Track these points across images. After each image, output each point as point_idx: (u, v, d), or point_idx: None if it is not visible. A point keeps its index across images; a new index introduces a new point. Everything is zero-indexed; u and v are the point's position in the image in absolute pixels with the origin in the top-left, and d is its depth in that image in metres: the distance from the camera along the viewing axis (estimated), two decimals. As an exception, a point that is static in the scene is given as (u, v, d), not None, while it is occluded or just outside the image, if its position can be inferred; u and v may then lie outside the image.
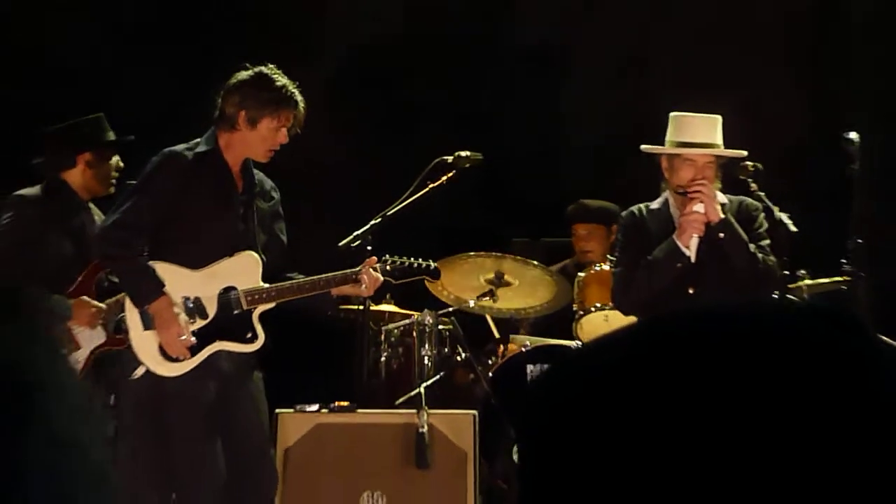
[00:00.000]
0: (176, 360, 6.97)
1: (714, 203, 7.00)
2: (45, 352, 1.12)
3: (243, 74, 7.00)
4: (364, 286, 7.05)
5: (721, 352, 1.22)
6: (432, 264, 7.53)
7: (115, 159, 7.81)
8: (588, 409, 1.23)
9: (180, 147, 7.00)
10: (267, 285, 7.12)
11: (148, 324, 6.96)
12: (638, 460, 1.19)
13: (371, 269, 7.09)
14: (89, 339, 7.46)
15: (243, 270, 7.09)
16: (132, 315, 6.97)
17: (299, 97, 7.01)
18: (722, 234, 6.95)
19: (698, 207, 6.95)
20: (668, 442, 1.18)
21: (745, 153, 7.28)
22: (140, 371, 6.94)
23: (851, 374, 1.19)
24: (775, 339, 1.21)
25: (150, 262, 6.95)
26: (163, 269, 6.95)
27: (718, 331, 1.24)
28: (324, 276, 7.13)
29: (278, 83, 6.96)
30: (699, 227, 6.96)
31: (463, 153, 7.69)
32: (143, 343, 6.93)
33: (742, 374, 1.19)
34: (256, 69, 7.01)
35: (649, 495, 1.15)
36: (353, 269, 7.13)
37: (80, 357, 7.43)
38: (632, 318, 7.61)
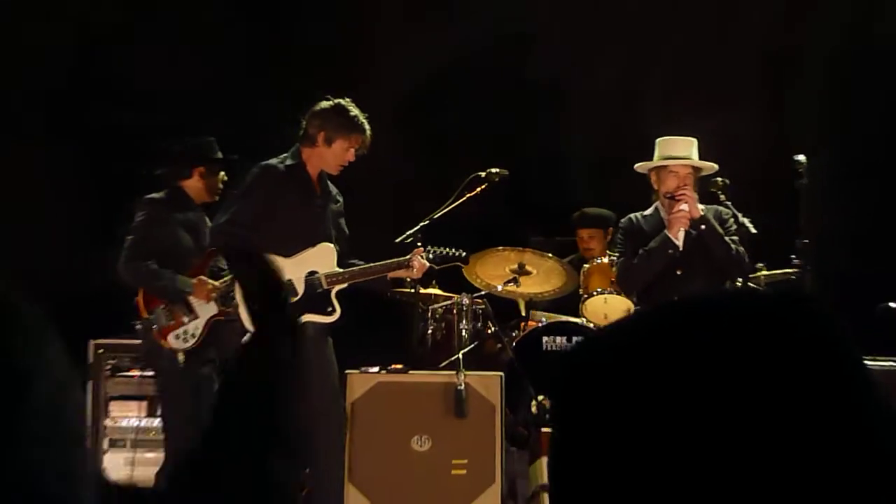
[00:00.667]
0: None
1: (696, 203, 7.68)
2: (32, 338, 1.16)
3: (325, 103, 7.70)
4: (414, 269, 7.79)
5: (715, 332, 1.30)
6: (463, 252, 8.12)
7: (221, 174, 8.48)
8: (607, 375, 1.34)
9: (273, 161, 7.73)
10: (341, 269, 7.84)
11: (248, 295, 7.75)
12: (643, 416, 1.29)
13: (419, 257, 7.80)
14: (206, 310, 8.17)
15: (323, 258, 7.81)
16: (240, 292, 7.60)
17: (367, 126, 7.67)
18: (703, 227, 7.62)
19: (684, 207, 7.62)
20: (668, 402, 1.27)
21: (716, 166, 7.87)
22: (248, 337, 7.67)
23: (824, 347, 1.29)
24: (762, 321, 1.31)
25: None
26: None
27: (710, 313, 1.34)
28: (385, 261, 7.85)
29: (352, 113, 7.66)
30: (685, 221, 7.63)
31: (493, 170, 8.29)
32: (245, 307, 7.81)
33: (734, 348, 1.27)
34: (337, 100, 7.71)
35: (653, 443, 1.25)
36: (405, 257, 7.81)
37: (199, 324, 8.16)
38: (626, 299, 8.61)
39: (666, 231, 7.71)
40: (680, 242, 7.67)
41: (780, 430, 1.24)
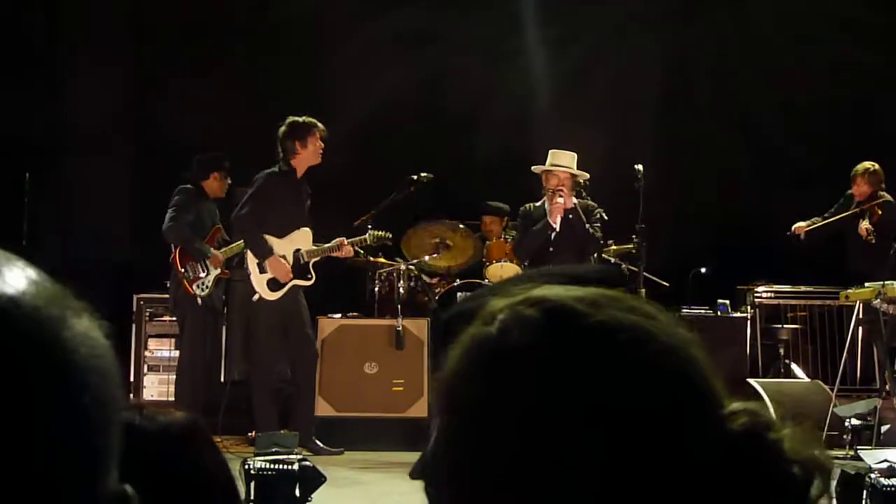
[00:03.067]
0: (276, 290, 8.09)
1: (570, 198, 7.96)
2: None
3: (283, 126, 7.98)
4: (342, 251, 8.19)
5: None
6: (389, 235, 8.49)
7: (228, 179, 8.86)
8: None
9: (274, 168, 8.06)
10: (314, 246, 8.18)
11: (263, 269, 8.06)
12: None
13: (346, 243, 8.17)
14: (214, 270, 8.58)
15: (304, 238, 8.19)
16: (252, 265, 8.11)
17: (315, 120, 7.97)
18: (571, 216, 7.95)
19: (560, 199, 7.91)
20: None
21: (587, 175, 8.19)
22: (256, 296, 8.10)
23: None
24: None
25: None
26: (271, 240, 8.09)
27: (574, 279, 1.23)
28: (330, 244, 8.20)
29: (302, 119, 7.95)
30: (561, 210, 7.93)
31: (423, 174, 8.63)
32: (259, 281, 8.12)
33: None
34: (287, 119, 7.99)
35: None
36: (339, 241, 8.16)
37: (210, 279, 8.56)
38: (517, 266, 8.66)
39: (548, 217, 8.03)
40: (557, 226, 7.96)
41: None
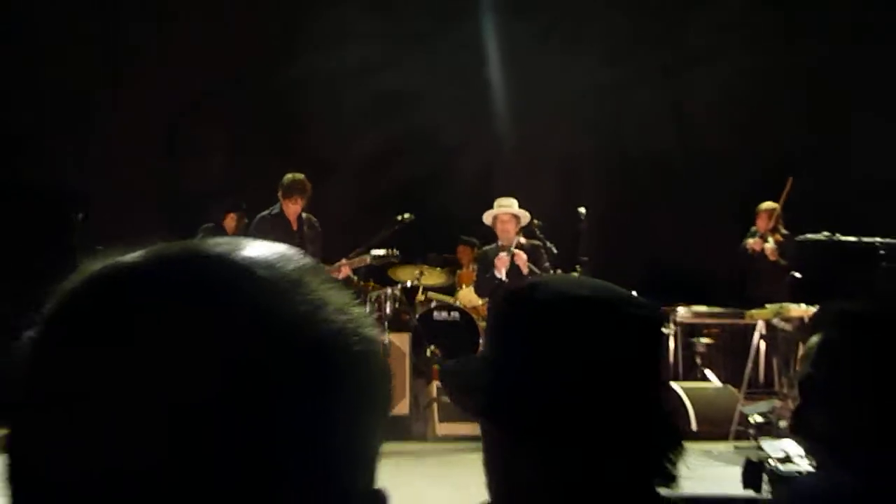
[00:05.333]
0: None
1: (511, 254, 7.92)
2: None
3: (284, 179, 7.99)
4: (340, 274, 7.98)
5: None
6: (396, 252, 8.29)
7: (245, 219, 8.85)
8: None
9: (265, 212, 8.04)
10: None
11: None
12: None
13: (345, 268, 8.07)
14: None
15: None
16: None
17: (306, 182, 7.88)
18: (517, 261, 7.94)
19: (503, 255, 7.97)
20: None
21: (528, 215, 8.08)
22: None
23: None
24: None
25: None
26: None
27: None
28: (335, 265, 7.96)
29: (297, 177, 7.91)
30: (505, 263, 7.96)
31: (406, 214, 8.41)
32: None
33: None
34: (287, 175, 7.96)
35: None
36: (339, 264, 7.99)
37: None
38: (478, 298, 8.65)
39: (494, 270, 8.04)
40: (502, 275, 7.95)
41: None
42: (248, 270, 0.58)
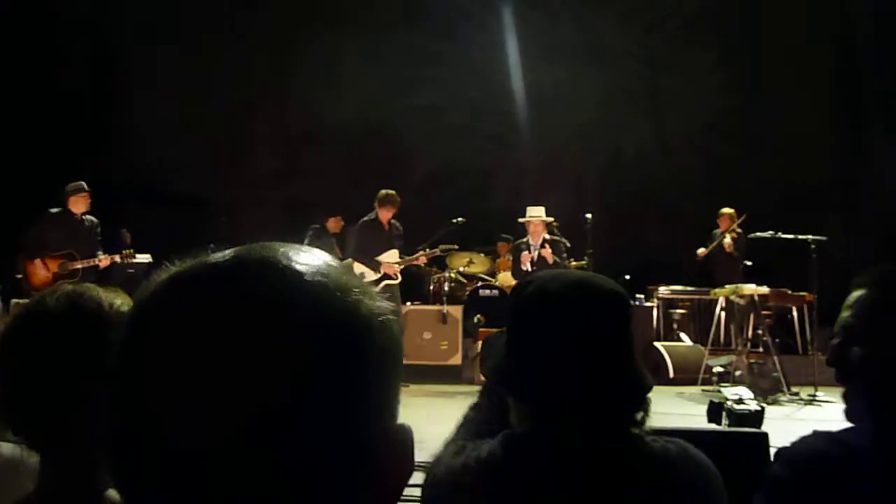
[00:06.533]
0: (376, 283, 7.30)
1: (539, 241, 7.63)
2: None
3: (380, 193, 7.70)
4: (420, 260, 7.94)
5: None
6: (455, 245, 8.17)
7: (342, 221, 8.46)
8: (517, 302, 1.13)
9: (366, 217, 7.70)
10: (400, 259, 7.76)
11: (367, 273, 7.47)
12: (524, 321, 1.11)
13: (423, 255, 7.83)
14: None
15: (392, 256, 7.75)
16: (360, 269, 7.51)
17: (396, 196, 7.63)
18: (542, 252, 7.62)
19: (527, 252, 7.64)
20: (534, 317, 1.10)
21: (552, 219, 7.83)
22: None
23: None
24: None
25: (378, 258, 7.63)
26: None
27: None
28: (414, 256, 7.84)
29: (389, 192, 7.67)
30: (527, 260, 7.61)
31: (460, 218, 8.18)
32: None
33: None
34: (384, 191, 7.69)
35: None
36: (418, 254, 7.84)
37: None
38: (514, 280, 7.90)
39: (521, 262, 7.68)
40: (528, 267, 7.58)
41: None
42: (306, 276, 0.54)
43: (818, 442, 1.18)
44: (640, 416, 1.11)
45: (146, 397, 0.50)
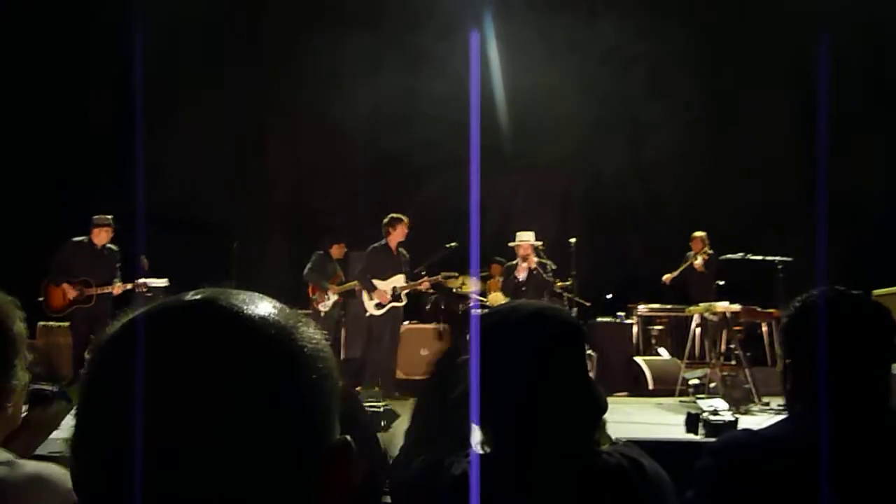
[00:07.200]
0: (380, 309, 7.59)
1: (532, 261, 7.62)
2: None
3: (387, 218, 7.63)
4: (424, 286, 7.81)
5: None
6: (455, 274, 8.04)
7: (345, 248, 8.26)
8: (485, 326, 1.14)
9: (376, 244, 7.61)
10: (405, 284, 7.67)
11: (371, 297, 7.61)
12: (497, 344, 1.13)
13: (427, 281, 7.71)
14: (333, 297, 8.01)
15: (398, 280, 7.69)
16: (366, 296, 7.68)
17: (405, 219, 7.55)
18: (534, 272, 7.64)
19: (523, 264, 7.63)
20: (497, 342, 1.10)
21: (540, 243, 7.81)
22: (367, 313, 7.58)
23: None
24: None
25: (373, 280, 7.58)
26: (376, 282, 7.64)
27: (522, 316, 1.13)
28: (418, 282, 7.75)
29: (395, 217, 7.59)
30: (522, 271, 7.64)
31: (453, 243, 8.02)
32: (369, 303, 7.62)
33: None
34: (390, 215, 7.63)
35: None
36: (422, 280, 7.67)
37: (330, 302, 8.00)
38: (503, 296, 8.01)
39: (515, 274, 7.71)
40: (522, 279, 7.63)
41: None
42: (244, 315, 0.58)
43: (739, 435, 1.27)
44: (596, 434, 1.13)
45: (105, 423, 0.55)
